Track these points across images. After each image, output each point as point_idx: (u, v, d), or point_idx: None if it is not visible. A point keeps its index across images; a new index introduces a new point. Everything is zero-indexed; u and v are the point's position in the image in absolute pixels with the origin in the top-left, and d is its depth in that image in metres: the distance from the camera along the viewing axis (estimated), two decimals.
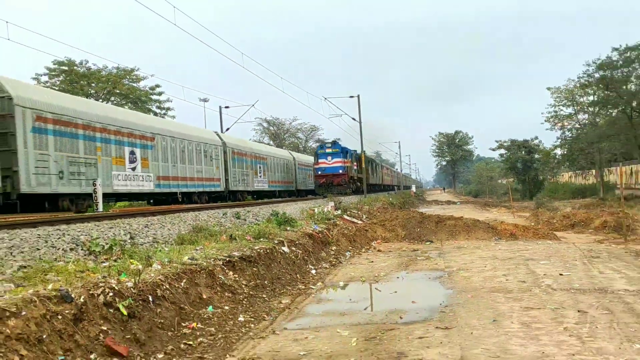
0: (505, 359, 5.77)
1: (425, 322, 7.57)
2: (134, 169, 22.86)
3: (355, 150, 51.16)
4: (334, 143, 45.78)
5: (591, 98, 48.19)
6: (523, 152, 61.92)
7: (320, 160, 43.57)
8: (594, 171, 55.84)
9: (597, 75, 42.23)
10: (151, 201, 26.16)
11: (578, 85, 48.11)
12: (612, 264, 12.27)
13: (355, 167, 47.84)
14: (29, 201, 18.11)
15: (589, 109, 49.97)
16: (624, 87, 40.58)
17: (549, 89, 56.06)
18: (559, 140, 56.27)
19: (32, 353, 5.25)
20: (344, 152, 44.38)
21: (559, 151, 58.37)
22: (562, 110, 54.59)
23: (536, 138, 62.76)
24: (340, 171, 42.29)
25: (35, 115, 17.52)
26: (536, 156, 61.58)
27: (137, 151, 23.20)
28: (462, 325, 7.24)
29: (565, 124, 54.54)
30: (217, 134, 35.87)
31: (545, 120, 56.64)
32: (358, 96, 48.47)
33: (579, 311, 7.73)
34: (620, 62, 40.09)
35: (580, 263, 12.56)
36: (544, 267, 12.13)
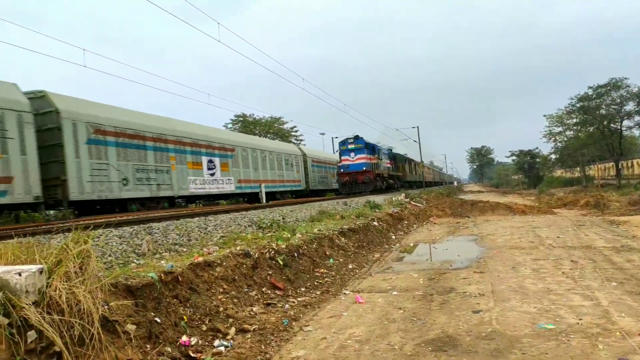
0: (522, 292, 5.66)
1: (467, 269, 7.46)
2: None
3: (390, 149, 37.56)
4: (357, 138, 28.90)
5: (574, 120, 47.34)
6: (528, 158, 62.74)
7: (343, 158, 28.92)
8: (578, 168, 56.03)
9: (578, 105, 43.38)
10: (336, 193, 34.01)
11: (565, 112, 47.49)
12: (593, 230, 11.70)
13: (387, 165, 33.69)
14: (313, 192, 30.43)
15: (574, 127, 49.08)
16: (597, 112, 41.76)
17: (545, 115, 56.24)
18: (553, 149, 57.07)
19: (230, 286, 5.64)
20: (369, 147, 29.03)
21: (553, 156, 58.70)
22: (554, 129, 53.55)
23: (536, 148, 65.06)
24: (364, 168, 27.69)
25: (311, 160, 30.36)
26: (537, 160, 62.99)
27: (329, 171, 35.59)
28: (491, 271, 7.13)
29: (557, 138, 53.60)
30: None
31: (543, 136, 56.99)
32: (417, 127, 48.73)
33: (572, 261, 7.48)
34: (594, 95, 41.74)
35: (571, 229, 12.02)
36: (546, 232, 11.67)
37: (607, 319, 4.43)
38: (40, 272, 3.07)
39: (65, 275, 3.11)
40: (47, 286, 3.06)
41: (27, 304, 2.92)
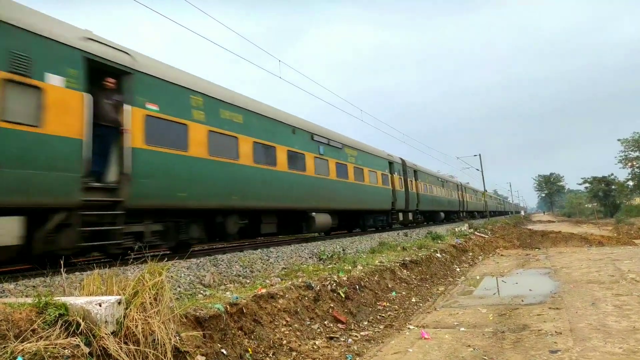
0: (604, 331, 5.26)
1: (540, 304, 7.06)
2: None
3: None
4: None
5: None
6: (603, 185, 58.80)
7: None
8: None
9: None
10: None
11: None
12: None
13: None
14: None
15: None
16: None
17: (619, 139, 52.30)
18: (630, 174, 52.30)
19: (292, 319, 5.63)
20: None
21: (630, 182, 53.85)
22: (630, 153, 49.67)
23: (612, 174, 61.63)
24: None
25: None
26: (613, 187, 59.54)
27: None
28: (568, 307, 6.69)
29: (634, 163, 49.54)
30: None
31: (619, 161, 52.41)
32: (480, 155, 45.55)
33: None
34: None
35: None
36: (628, 265, 10.78)
37: None
38: (119, 302, 3.25)
39: (141, 306, 3.27)
40: (124, 317, 3.23)
41: (106, 334, 3.09)
